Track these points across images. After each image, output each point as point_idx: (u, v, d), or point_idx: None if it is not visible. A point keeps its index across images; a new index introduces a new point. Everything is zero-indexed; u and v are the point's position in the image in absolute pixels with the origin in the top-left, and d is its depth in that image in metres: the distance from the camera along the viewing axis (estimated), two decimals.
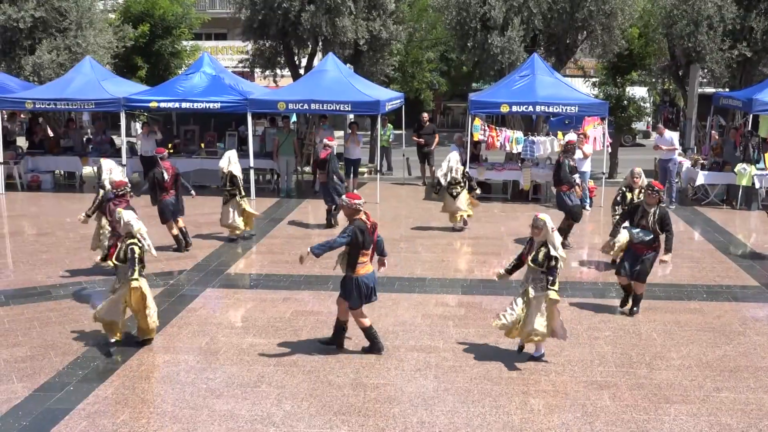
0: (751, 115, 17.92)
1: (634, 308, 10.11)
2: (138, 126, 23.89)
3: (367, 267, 8.48)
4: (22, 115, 22.68)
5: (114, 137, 21.12)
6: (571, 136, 18.05)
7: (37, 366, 8.33)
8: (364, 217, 8.42)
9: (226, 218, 13.76)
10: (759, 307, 10.62)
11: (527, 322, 8.35)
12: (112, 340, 8.92)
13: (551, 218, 8.43)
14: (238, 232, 13.91)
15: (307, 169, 21.27)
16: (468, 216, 14.93)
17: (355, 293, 8.45)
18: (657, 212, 9.83)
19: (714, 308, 10.48)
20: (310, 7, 20.74)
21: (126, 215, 8.84)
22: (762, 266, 12.65)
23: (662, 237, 9.94)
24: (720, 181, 18.14)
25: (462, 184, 14.64)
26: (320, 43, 22.16)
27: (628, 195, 11.73)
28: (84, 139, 21.28)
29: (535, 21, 20.17)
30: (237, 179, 13.56)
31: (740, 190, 17.60)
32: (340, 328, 8.84)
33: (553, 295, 8.20)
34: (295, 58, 23.36)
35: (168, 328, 9.47)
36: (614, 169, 22.30)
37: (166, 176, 12.81)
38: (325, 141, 15.19)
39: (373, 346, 8.71)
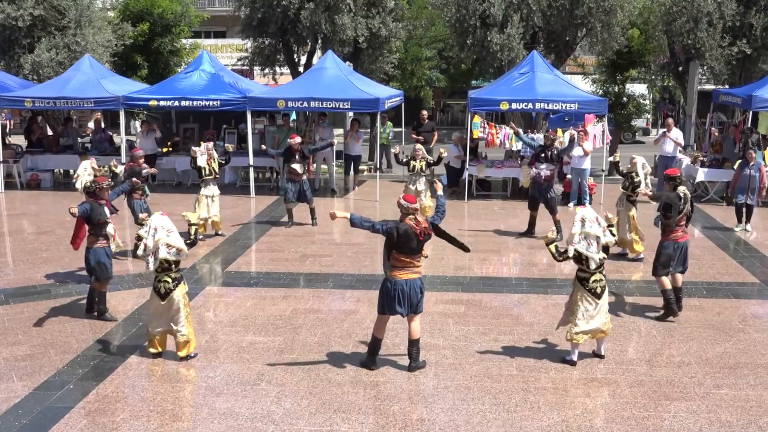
0: (750, 112, 17.92)
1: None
2: (137, 124, 23.89)
3: (407, 273, 7.97)
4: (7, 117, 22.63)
5: (113, 135, 21.11)
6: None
7: (36, 365, 8.33)
8: (413, 222, 7.87)
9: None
10: (759, 304, 10.62)
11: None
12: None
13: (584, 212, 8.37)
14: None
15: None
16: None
17: (380, 295, 8.14)
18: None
19: (714, 305, 10.47)
20: (310, 4, 20.71)
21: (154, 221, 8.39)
22: (762, 263, 12.66)
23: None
24: (720, 178, 18.12)
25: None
26: (319, 41, 22.14)
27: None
28: (78, 137, 21.29)
29: (534, 18, 20.15)
30: (202, 170, 13.66)
31: None
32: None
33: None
34: (295, 55, 23.34)
35: None
36: (614, 166, 22.27)
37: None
38: (293, 141, 14.98)
39: (367, 359, 8.35)
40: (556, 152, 13.94)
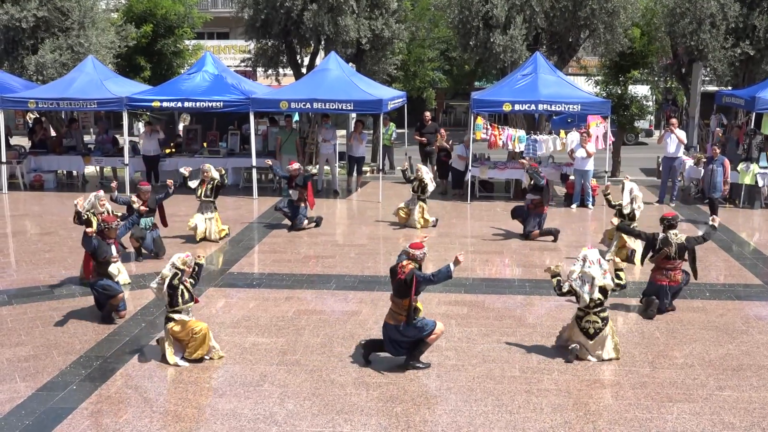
0: (753, 114, 17.90)
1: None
2: (140, 125, 23.94)
3: (389, 315, 8.27)
4: (28, 115, 22.71)
5: (117, 136, 21.15)
6: (574, 135, 18.10)
7: (39, 365, 8.34)
8: (400, 263, 8.15)
9: None
10: (762, 306, 10.60)
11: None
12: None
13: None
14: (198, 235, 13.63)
15: (309, 167, 21.28)
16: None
17: None
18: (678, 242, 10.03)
19: (717, 307, 10.46)
20: (313, 6, 20.72)
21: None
22: (765, 265, 12.63)
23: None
24: None
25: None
26: (322, 42, 22.14)
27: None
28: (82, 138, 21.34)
29: (537, 19, 20.15)
30: (195, 191, 13.63)
31: (743, 189, 17.59)
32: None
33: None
34: (298, 57, 23.35)
35: None
36: (617, 167, 22.27)
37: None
38: (290, 167, 14.92)
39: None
40: (531, 181, 13.93)
